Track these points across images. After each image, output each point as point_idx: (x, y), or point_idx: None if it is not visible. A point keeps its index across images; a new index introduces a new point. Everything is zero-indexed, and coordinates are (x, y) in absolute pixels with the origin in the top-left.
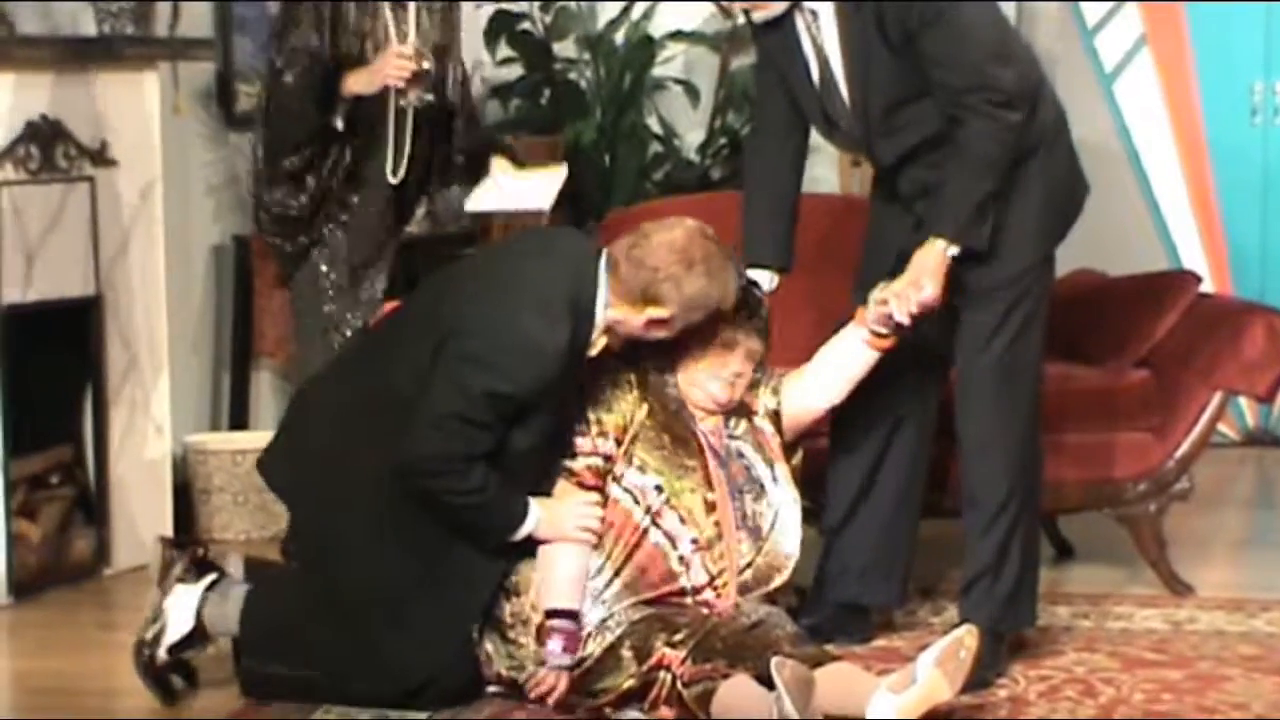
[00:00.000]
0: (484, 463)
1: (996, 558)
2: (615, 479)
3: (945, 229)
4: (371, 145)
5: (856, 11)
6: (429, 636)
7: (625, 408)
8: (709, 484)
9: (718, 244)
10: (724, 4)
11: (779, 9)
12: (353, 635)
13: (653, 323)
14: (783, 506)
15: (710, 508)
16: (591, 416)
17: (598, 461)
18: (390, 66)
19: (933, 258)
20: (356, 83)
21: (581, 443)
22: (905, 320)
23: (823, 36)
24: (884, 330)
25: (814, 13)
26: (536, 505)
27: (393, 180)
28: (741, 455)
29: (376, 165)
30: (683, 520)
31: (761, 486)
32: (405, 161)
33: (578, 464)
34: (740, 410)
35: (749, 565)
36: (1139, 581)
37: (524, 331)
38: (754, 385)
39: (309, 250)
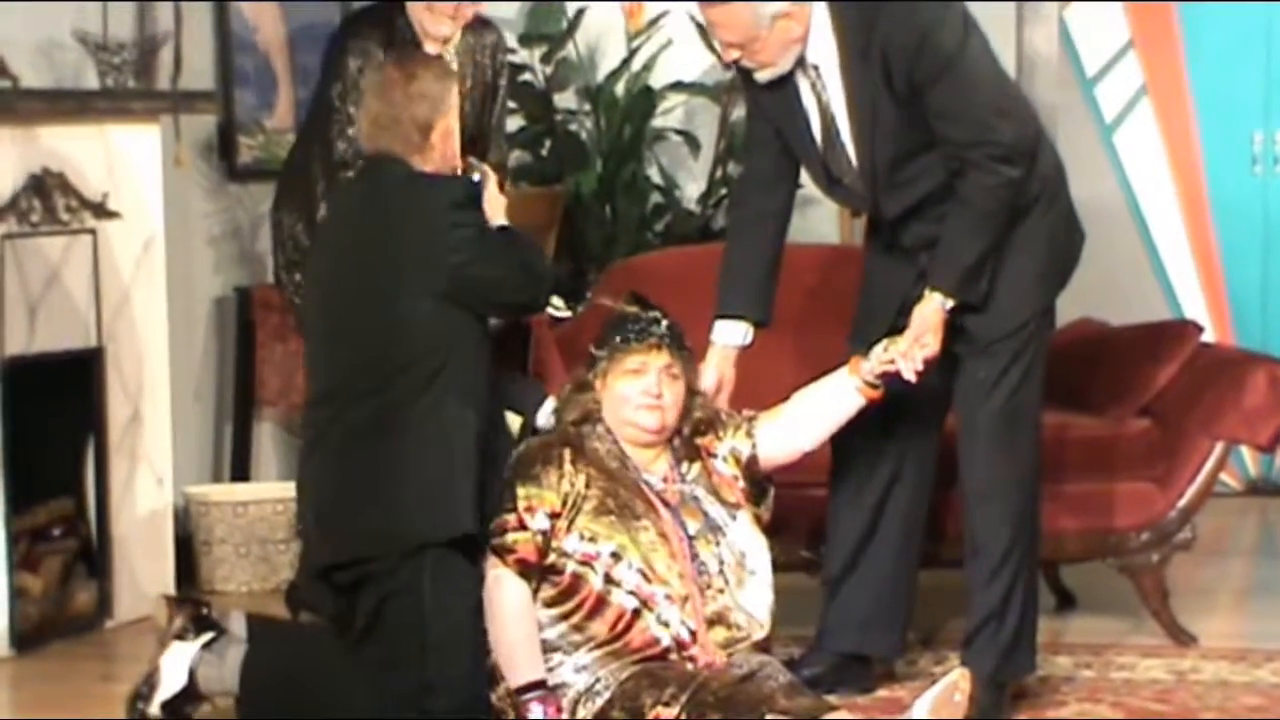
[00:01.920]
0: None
1: (1001, 605)
2: (566, 555)
3: (943, 283)
4: None
5: (863, 65)
6: (439, 682)
7: (555, 482)
8: (666, 537)
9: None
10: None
11: (784, 68)
12: (357, 691)
13: (438, 136)
14: (747, 549)
15: (672, 561)
16: (520, 492)
17: (528, 536)
18: None
19: (933, 313)
20: None
21: (509, 519)
22: (913, 378)
23: (828, 92)
24: (880, 382)
25: (816, 68)
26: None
27: None
28: (696, 499)
29: None
30: (648, 579)
31: (719, 529)
32: None
33: (508, 540)
34: (693, 453)
35: (727, 613)
36: (1142, 632)
37: (431, 203)
38: (711, 427)
39: None
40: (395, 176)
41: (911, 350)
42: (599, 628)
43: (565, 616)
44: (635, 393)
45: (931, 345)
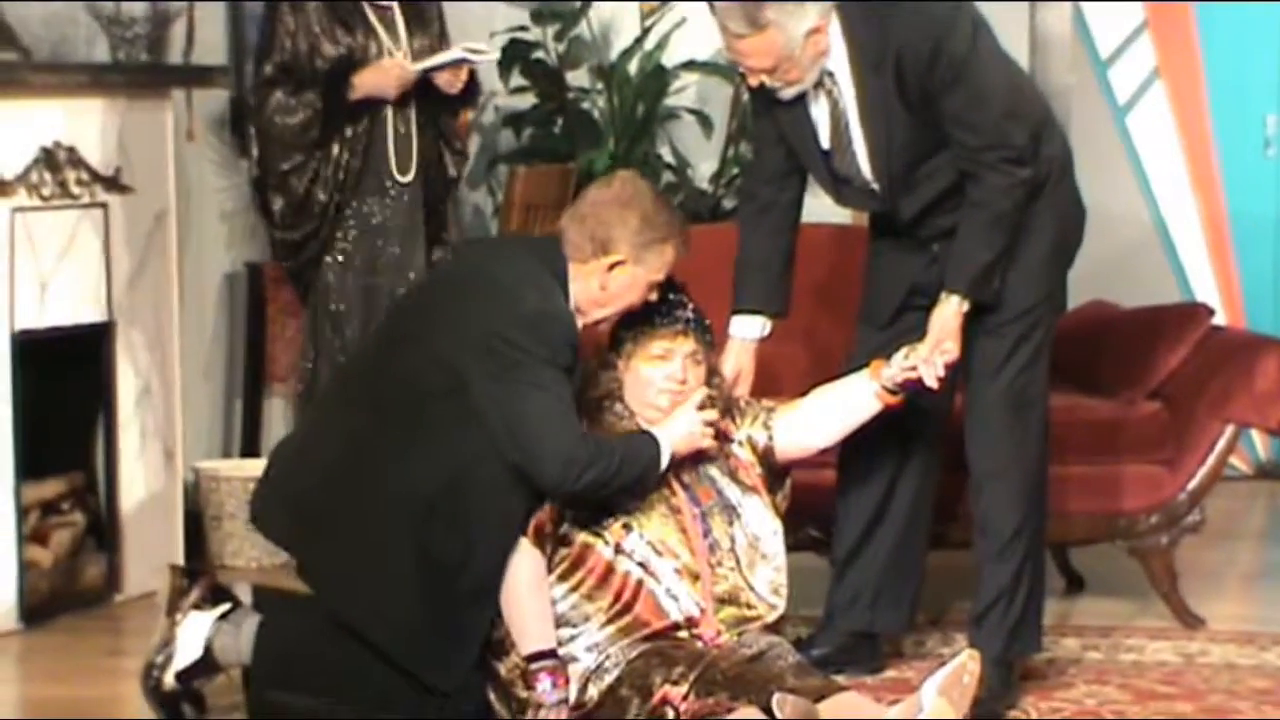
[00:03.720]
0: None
1: (1010, 585)
2: (577, 523)
3: (959, 286)
4: (372, 149)
5: (875, 74)
6: (444, 659)
7: None
8: (679, 513)
9: (654, 188)
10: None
11: (810, 83)
12: (368, 663)
13: (613, 268)
14: (761, 532)
15: (683, 536)
16: None
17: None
18: (388, 82)
19: (951, 317)
20: (363, 85)
21: None
22: (935, 385)
23: (844, 99)
24: (899, 389)
25: (831, 74)
26: (660, 430)
27: (402, 178)
28: (711, 479)
29: (377, 170)
30: (658, 552)
31: (734, 509)
32: (414, 163)
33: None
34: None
35: (738, 593)
36: (1150, 614)
37: (533, 306)
38: (728, 412)
39: (319, 261)
40: (531, 260)
41: (933, 356)
42: (607, 597)
43: (575, 588)
44: (659, 377)
45: (952, 350)
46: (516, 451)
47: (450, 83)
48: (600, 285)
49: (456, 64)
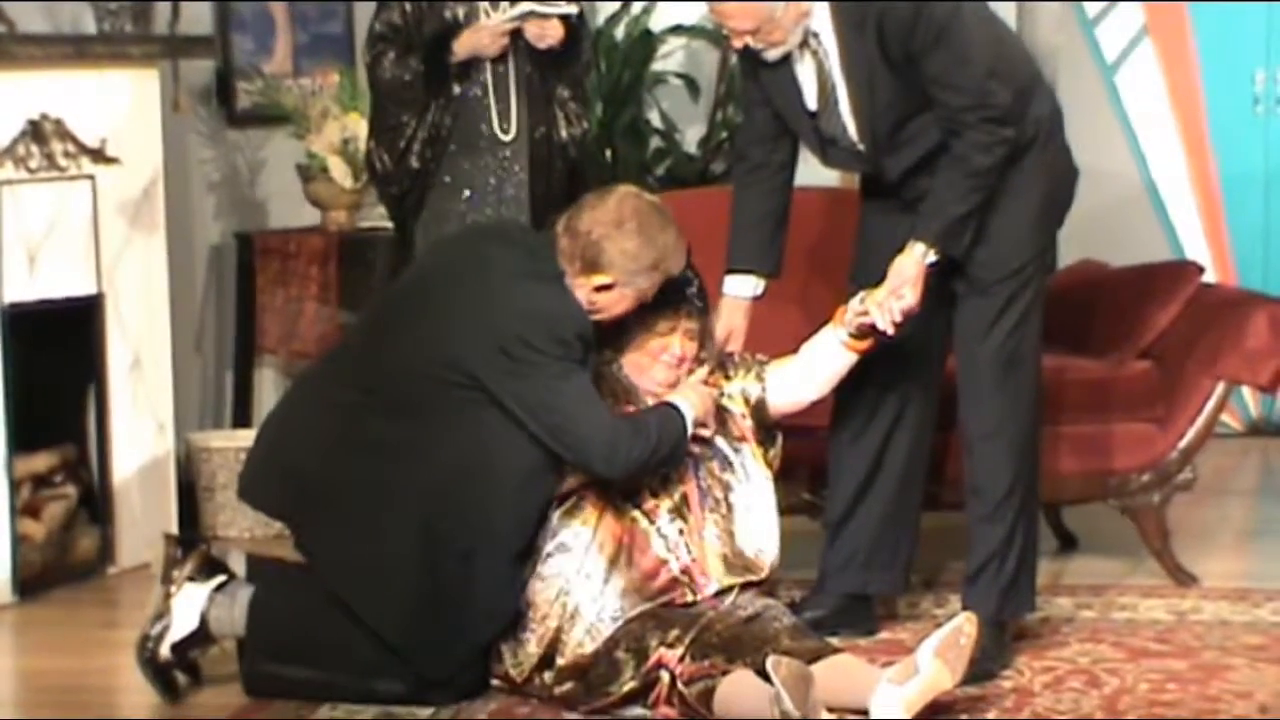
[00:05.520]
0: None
1: (1002, 546)
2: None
3: (927, 235)
4: (464, 109)
5: (858, 34)
6: (451, 637)
7: None
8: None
9: (654, 206)
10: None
11: (793, 44)
12: (361, 635)
13: (600, 290)
14: (752, 484)
15: (679, 483)
16: None
17: None
18: (482, 40)
19: (913, 265)
20: (463, 47)
21: None
22: (889, 330)
23: (829, 60)
24: (861, 335)
25: (815, 34)
26: (679, 398)
27: (504, 137)
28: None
29: (469, 131)
30: (655, 495)
31: (726, 459)
32: (513, 120)
33: None
34: None
35: (729, 542)
36: (1143, 572)
37: (541, 304)
38: (720, 366)
39: (418, 212)
40: (531, 256)
41: (888, 301)
42: (610, 540)
43: (576, 520)
44: (658, 351)
45: (909, 298)
46: (562, 448)
47: (538, 37)
48: (588, 301)
49: (526, 17)
